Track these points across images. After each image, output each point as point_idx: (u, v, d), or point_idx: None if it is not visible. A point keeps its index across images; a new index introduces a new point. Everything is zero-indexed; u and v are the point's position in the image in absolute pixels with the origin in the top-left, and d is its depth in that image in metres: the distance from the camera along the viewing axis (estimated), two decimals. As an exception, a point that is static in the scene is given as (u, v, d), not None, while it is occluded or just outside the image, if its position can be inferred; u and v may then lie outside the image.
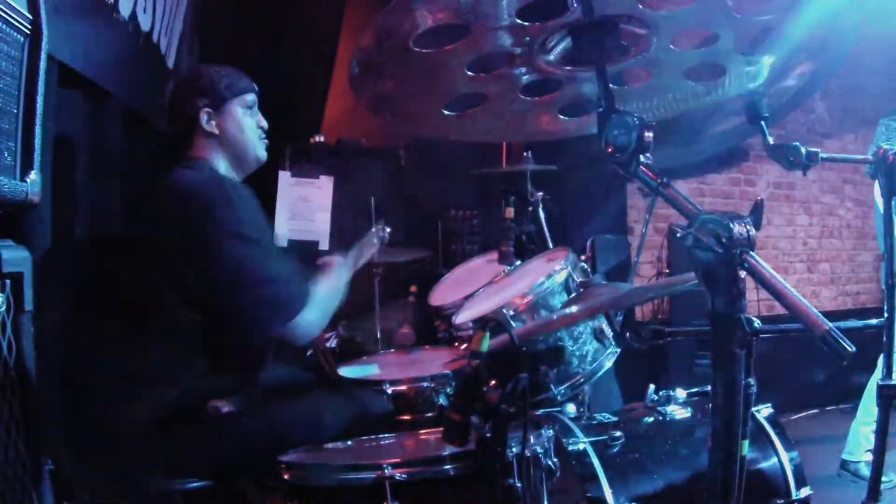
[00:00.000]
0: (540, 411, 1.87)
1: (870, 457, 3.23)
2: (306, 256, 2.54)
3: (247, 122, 2.08)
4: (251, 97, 2.10)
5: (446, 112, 1.40)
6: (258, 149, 2.11)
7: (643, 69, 1.35)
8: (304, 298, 1.86)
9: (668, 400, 2.05)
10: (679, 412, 2.02)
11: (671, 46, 1.24)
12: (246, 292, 1.82)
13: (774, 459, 1.94)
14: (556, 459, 1.62)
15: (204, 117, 2.02)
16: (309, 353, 2.39)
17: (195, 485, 1.76)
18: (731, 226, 0.91)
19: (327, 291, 2.00)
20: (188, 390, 1.84)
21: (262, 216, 1.95)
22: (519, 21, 1.15)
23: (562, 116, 1.45)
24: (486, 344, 1.29)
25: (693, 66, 1.33)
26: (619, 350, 1.82)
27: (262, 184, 2.56)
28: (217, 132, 2.04)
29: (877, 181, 3.16)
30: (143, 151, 2.41)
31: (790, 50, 1.27)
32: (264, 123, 2.13)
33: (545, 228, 2.76)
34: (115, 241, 2.04)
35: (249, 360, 1.93)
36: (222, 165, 2.07)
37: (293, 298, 1.85)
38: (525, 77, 1.33)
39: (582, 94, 1.38)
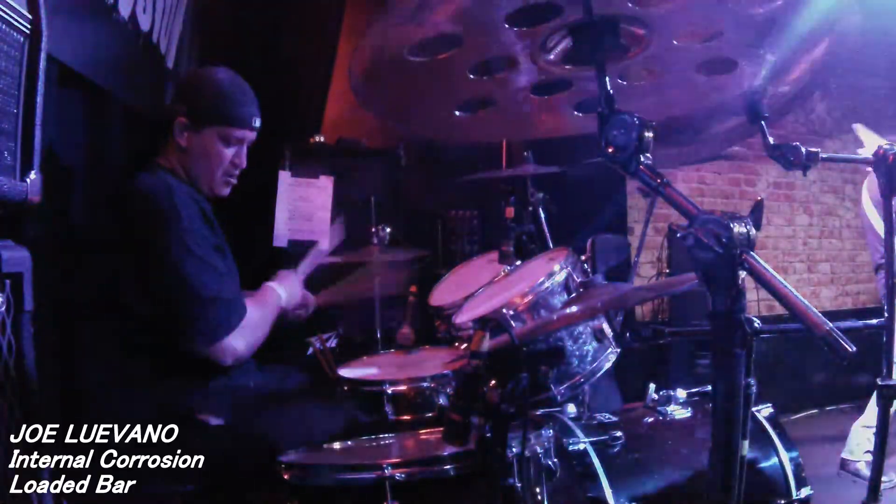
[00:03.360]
0: (540, 411, 1.87)
1: (869, 457, 3.23)
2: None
3: (216, 153, 1.97)
4: (238, 133, 1.97)
5: (457, 113, 1.40)
6: (216, 185, 2.01)
7: (647, 68, 1.35)
8: (233, 322, 1.86)
9: (668, 400, 2.04)
10: (679, 412, 2.02)
11: (674, 42, 1.24)
12: (178, 306, 1.81)
13: (774, 459, 1.94)
14: (556, 459, 1.61)
15: (178, 126, 1.96)
16: (309, 352, 2.39)
17: (193, 486, 1.76)
18: (731, 226, 0.91)
19: (259, 318, 1.97)
20: (168, 392, 1.84)
21: (210, 231, 1.92)
22: (508, 26, 1.15)
23: (577, 113, 1.45)
24: (486, 344, 1.29)
25: (699, 62, 1.33)
26: (619, 350, 1.82)
27: (262, 184, 2.56)
28: (185, 146, 1.97)
29: (865, 189, 3.15)
30: (142, 151, 2.41)
31: (791, 47, 1.27)
32: (241, 162, 2.02)
33: (545, 228, 2.76)
34: (89, 242, 2.03)
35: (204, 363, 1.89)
36: (184, 176, 2.01)
37: (222, 321, 1.84)
38: (530, 77, 1.33)
39: (592, 91, 1.38)
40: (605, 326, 1.80)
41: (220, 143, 1.97)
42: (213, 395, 1.89)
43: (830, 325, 0.86)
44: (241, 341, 1.88)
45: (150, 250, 1.83)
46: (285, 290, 2.15)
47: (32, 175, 1.35)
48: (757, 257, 0.92)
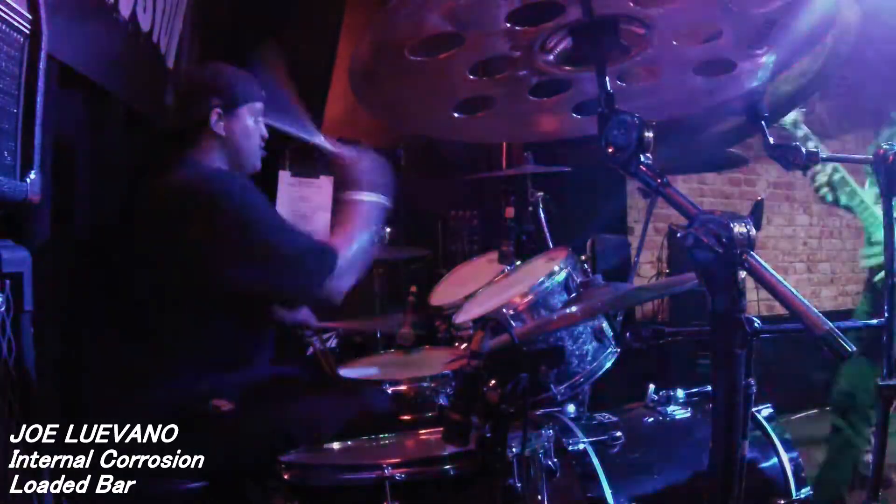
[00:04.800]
0: (540, 411, 1.87)
1: (869, 457, 3.23)
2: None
3: (252, 129, 2.11)
4: (260, 105, 2.12)
5: (456, 115, 1.40)
6: (256, 158, 2.14)
7: (647, 68, 1.35)
8: (332, 260, 1.94)
9: (668, 400, 2.04)
10: (679, 412, 2.02)
11: (674, 43, 1.24)
12: (282, 269, 1.89)
13: (774, 459, 1.94)
14: (556, 459, 1.62)
15: (214, 117, 2.03)
16: (309, 352, 2.39)
17: (194, 485, 1.76)
18: (731, 226, 0.91)
19: (352, 242, 2.04)
20: (185, 390, 1.84)
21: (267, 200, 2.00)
22: (510, 25, 1.15)
23: (575, 115, 1.45)
24: (486, 344, 1.29)
25: (699, 62, 1.33)
26: (619, 350, 1.82)
27: (263, 184, 2.56)
28: (224, 134, 2.06)
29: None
30: (143, 151, 2.41)
31: (791, 47, 1.27)
32: (265, 133, 2.15)
33: (545, 228, 2.76)
34: (109, 240, 2.04)
35: (247, 350, 1.97)
36: (223, 165, 2.08)
37: (323, 264, 1.93)
38: (530, 78, 1.33)
39: (591, 94, 1.38)
40: (605, 326, 1.80)
41: (251, 118, 2.11)
42: (220, 389, 1.89)
43: (830, 325, 0.86)
44: (345, 273, 1.98)
45: (228, 225, 1.86)
46: (376, 192, 2.15)
47: (32, 175, 1.35)
48: (757, 257, 0.92)
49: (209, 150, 2.06)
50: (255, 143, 2.13)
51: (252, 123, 2.10)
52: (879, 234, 2.79)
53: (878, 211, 2.89)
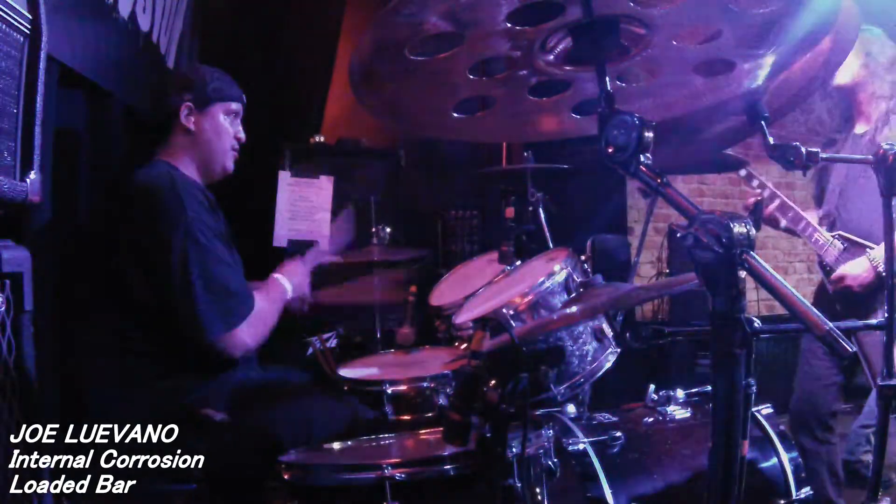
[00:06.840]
0: (540, 411, 1.87)
1: (869, 457, 3.23)
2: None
3: (225, 129, 2.10)
4: (236, 106, 2.13)
5: (456, 115, 1.40)
6: (227, 158, 2.13)
7: (647, 68, 1.35)
8: (242, 314, 1.89)
9: (668, 400, 2.04)
10: (679, 412, 2.02)
11: (673, 43, 1.24)
12: (187, 296, 1.83)
13: (774, 459, 1.94)
14: (556, 459, 1.61)
15: (185, 111, 2.05)
16: (309, 352, 2.39)
17: (193, 486, 1.76)
18: (731, 226, 0.91)
19: (267, 310, 2.00)
20: (170, 390, 1.85)
21: (215, 221, 1.96)
22: (510, 25, 1.15)
23: (575, 115, 1.45)
24: (486, 344, 1.29)
25: (698, 62, 1.33)
26: (619, 350, 1.82)
27: (262, 184, 2.57)
28: (193, 129, 2.06)
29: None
30: (143, 151, 2.41)
31: (791, 46, 1.27)
32: (242, 136, 2.15)
33: (545, 228, 2.76)
34: (104, 239, 2.05)
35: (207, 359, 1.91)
36: (189, 167, 2.08)
37: (231, 312, 1.87)
38: (530, 78, 1.33)
39: (591, 93, 1.38)
40: (605, 326, 1.80)
41: (224, 117, 2.11)
42: (216, 390, 1.89)
43: (830, 325, 0.86)
44: (249, 333, 1.90)
45: (156, 243, 1.85)
46: (291, 282, 2.18)
47: (32, 175, 1.35)
48: (757, 257, 0.92)
49: (179, 148, 2.07)
50: (227, 144, 2.11)
51: (225, 123, 2.10)
52: None
53: None
